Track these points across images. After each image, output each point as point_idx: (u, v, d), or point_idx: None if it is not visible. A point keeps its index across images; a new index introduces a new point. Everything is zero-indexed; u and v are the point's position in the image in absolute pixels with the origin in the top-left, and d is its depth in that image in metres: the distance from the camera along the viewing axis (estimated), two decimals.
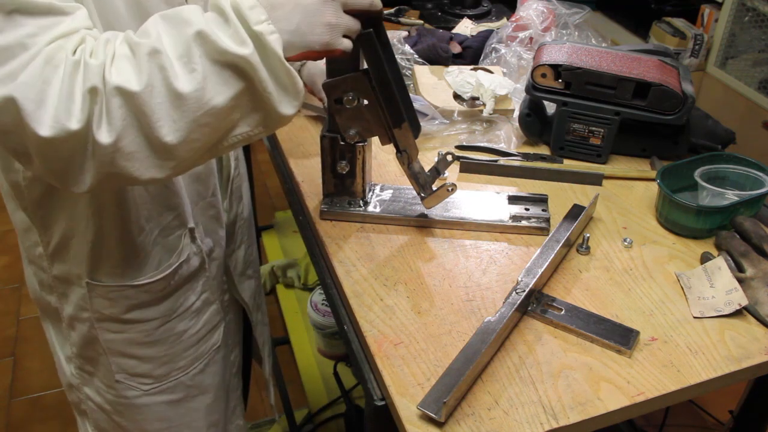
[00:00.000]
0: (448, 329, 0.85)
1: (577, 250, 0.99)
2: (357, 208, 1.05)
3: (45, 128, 0.68)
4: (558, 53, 1.18)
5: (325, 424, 1.86)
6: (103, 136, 0.71)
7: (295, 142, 1.23)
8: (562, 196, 1.12)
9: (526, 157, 1.20)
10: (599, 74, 1.14)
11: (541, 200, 1.07)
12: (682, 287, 0.94)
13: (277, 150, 1.24)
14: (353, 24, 0.82)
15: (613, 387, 0.79)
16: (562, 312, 0.88)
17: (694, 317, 0.89)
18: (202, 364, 1.13)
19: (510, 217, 1.03)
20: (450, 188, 1.00)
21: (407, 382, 0.78)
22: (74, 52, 0.71)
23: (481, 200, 1.08)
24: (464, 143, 1.24)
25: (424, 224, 1.04)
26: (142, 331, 1.04)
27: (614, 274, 0.96)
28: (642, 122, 1.16)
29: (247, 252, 1.27)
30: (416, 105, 1.29)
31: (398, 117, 0.92)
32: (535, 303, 0.90)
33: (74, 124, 0.69)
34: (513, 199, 1.08)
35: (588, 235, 0.98)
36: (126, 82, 0.70)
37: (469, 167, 1.16)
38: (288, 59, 0.75)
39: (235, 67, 0.73)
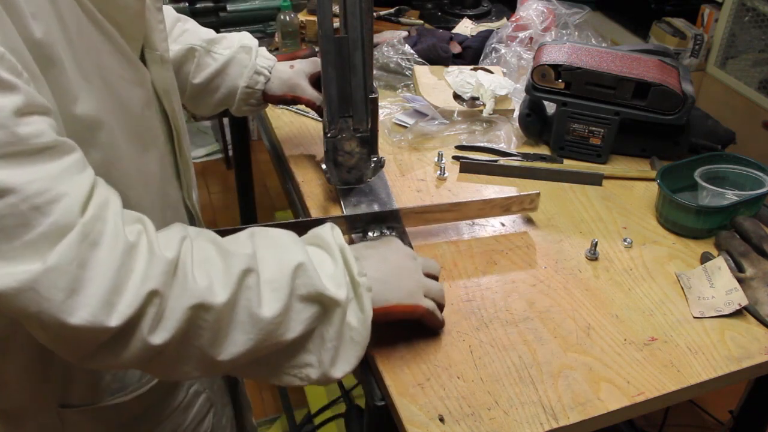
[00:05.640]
0: (448, 329, 0.85)
1: (586, 256, 0.98)
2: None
3: (75, 318, 0.55)
4: (558, 53, 1.18)
5: (325, 424, 1.85)
6: (155, 338, 0.60)
7: (295, 142, 1.23)
8: (562, 196, 1.12)
9: (526, 157, 1.20)
10: (599, 74, 1.14)
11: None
12: (682, 287, 0.94)
13: (277, 150, 1.24)
14: (435, 287, 0.81)
15: (613, 387, 0.79)
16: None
17: (694, 317, 0.89)
18: None
19: None
20: None
21: (407, 382, 0.78)
22: (122, 228, 0.58)
23: None
24: (464, 143, 1.23)
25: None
26: None
27: (614, 274, 0.96)
28: (642, 122, 1.16)
29: None
30: (416, 105, 1.29)
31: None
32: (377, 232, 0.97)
33: (114, 321, 0.57)
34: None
35: (596, 240, 0.98)
36: (208, 292, 0.61)
37: (468, 167, 1.16)
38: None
39: (320, 305, 0.69)
